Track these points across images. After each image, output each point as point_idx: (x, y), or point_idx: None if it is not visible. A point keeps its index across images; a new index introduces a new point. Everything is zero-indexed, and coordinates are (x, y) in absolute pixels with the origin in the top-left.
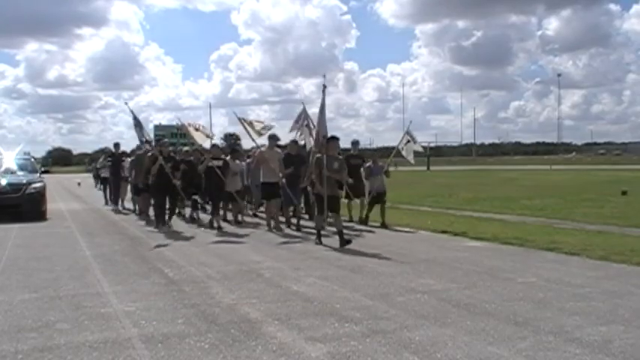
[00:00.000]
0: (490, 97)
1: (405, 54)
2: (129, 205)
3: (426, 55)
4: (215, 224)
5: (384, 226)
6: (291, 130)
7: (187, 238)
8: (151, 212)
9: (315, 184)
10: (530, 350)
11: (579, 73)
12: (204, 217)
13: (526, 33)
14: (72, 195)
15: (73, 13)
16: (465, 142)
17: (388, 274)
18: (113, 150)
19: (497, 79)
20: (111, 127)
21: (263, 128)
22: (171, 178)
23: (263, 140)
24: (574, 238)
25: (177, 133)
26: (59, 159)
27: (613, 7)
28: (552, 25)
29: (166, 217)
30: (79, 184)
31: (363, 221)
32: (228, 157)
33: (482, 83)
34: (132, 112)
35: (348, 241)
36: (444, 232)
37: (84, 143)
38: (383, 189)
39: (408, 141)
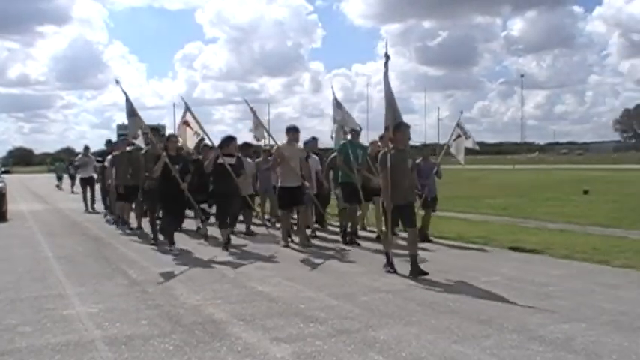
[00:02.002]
0: (455, 97)
1: (370, 54)
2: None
3: (391, 55)
4: (223, 238)
5: (425, 238)
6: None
7: (145, 236)
8: (145, 225)
9: (383, 192)
10: (495, 348)
11: (543, 73)
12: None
13: (491, 34)
14: (34, 195)
15: (35, 10)
16: (429, 142)
17: (352, 273)
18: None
19: (462, 79)
20: (73, 126)
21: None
22: (180, 183)
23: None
24: (537, 237)
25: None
26: (20, 159)
27: (576, 8)
28: (517, 26)
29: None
30: (57, 186)
31: (425, 236)
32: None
33: (448, 83)
34: (126, 94)
35: (424, 272)
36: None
37: (46, 143)
38: (435, 193)
39: (459, 136)
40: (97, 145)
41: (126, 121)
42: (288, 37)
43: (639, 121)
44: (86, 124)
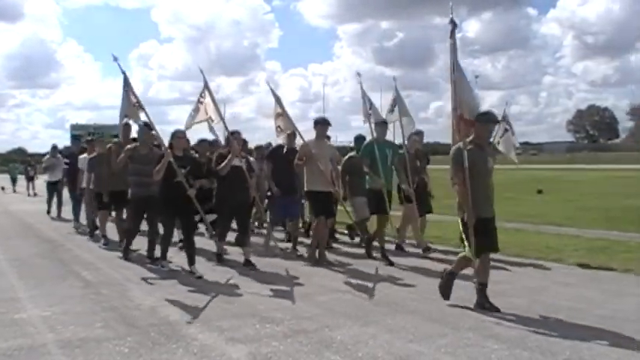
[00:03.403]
0: (411, 97)
1: (327, 54)
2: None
3: (348, 55)
4: (219, 249)
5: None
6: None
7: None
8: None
9: (463, 201)
10: (450, 347)
11: (498, 75)
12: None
13: (447, 35)
14: None
15: None
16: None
17: (308, 273)
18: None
19: (418, 80)
20: (26, 126)
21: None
22: (187, 188)
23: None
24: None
25: (94, 133)
26: None
27: (531, 10)
28: (473, 27)
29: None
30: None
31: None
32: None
33: (404, 84)
34: (124, 74)
35: (496, 308)
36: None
37: None
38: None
39: (506, 130)
40: (48, 147)
41: (80, 121)
42: (244, 37)
43: (592, 122)
44: (39, 124)
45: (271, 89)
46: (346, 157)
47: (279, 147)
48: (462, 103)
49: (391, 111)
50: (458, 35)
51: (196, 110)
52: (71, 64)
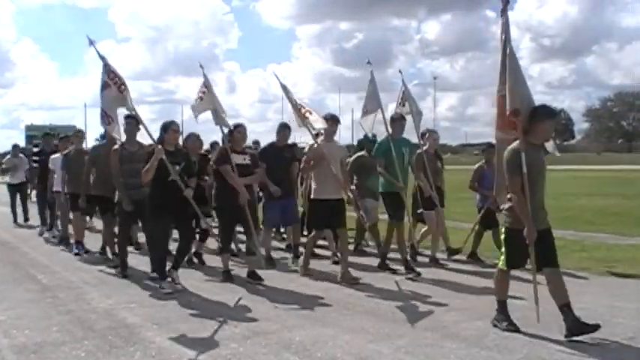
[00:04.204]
0: None
1: (286, 55)
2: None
3: (307, 56)
4: (225, 265)
5: (474, 256)
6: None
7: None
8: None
9: (521, 211)
10: (409, 346)
11: (456, 76)
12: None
13: (406, 36)
14: None
15: None
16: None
17: (269, 276)
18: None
19: (377, 81)
20: None
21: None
22: (182, 188)
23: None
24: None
25: (49, 134)
26: None
27: (490, 13)
28: (432, 29)
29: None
30: None
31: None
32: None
33: (362, 85)
34: (104, 59)
35: (596, 326)
36: None
37: None
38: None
39: None
40: (3, 147)
41: (35, 122)
42: (203, 37)
43: None
44: None
45: (280, 82)
46: (354, 156)
47: (272, 144)
48: (513, 93)
49: (402, 104)
50: (417, 36)
51: (200, 100)
52: (26, 63)
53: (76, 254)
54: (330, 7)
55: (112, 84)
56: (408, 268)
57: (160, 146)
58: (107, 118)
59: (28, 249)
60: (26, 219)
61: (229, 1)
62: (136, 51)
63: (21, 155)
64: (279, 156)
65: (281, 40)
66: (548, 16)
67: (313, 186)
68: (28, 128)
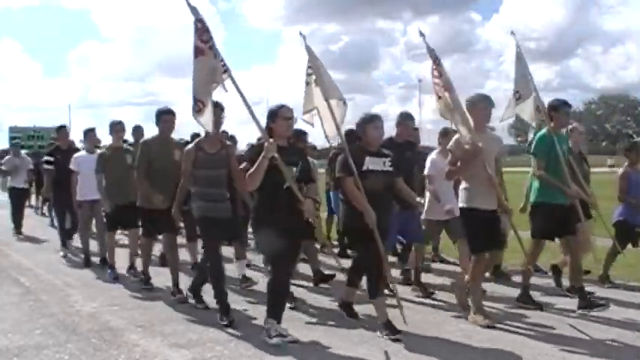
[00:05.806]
0: (355, 101)
1: (271, 57)
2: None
3: (292, 58)
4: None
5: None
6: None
7: (41, 242)
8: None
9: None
10: (383, 343)
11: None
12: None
13: (392, 39)
14: None
15: None
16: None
17: (253, 278)
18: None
19: (362, 83)
20: None
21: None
22: (301, 199)
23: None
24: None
25: (34, 135)
26: None
27: (475, 15)
28: (417, 31)
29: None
30: None
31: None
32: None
33: (349, 87)
34: (201, 19)
35: None
36: None
37: None
38: None
39: None
40: None
41: (18, 123)
42: (188, 39)
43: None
44: None
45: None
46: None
47: (391, 139)
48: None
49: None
50: (403, 39)
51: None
52: (8, 64)
53: (115, 278)
54: (316, 9)
55: (207, 48)
56: (522, 300)
57: (271, 140)
58: (198, 103)
59: (10, 251)
60: (19, 232)
61: (215, 3)
62: (120, 52)
63: (23, 155)
64: (401, 155)
65: (266, 42)
66: (533, 20)
67: (466, 194)
68: (12, 130)
